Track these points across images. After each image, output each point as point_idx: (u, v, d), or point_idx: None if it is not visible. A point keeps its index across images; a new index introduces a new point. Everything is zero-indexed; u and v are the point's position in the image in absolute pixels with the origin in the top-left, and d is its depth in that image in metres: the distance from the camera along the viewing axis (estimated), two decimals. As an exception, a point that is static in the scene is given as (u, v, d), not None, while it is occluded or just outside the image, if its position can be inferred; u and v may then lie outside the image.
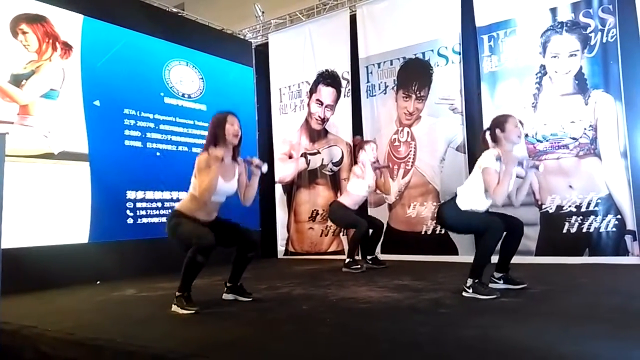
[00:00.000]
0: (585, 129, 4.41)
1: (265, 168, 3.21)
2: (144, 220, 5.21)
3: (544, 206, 4.56)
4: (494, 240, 3.00)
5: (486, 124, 4.72)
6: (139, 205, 5.17)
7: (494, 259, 3.21)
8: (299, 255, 6.26)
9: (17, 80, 4.36)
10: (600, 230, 4.29)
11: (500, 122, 3.15)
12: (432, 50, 5.29)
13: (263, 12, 6.82)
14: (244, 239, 3.16)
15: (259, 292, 3.46)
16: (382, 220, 5.04)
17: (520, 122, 4.57)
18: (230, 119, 3.07)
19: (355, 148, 5.04)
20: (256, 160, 3.21)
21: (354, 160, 5.06)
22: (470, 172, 4.67)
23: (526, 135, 4.64)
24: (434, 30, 5.26)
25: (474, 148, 4.87)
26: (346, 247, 5.27)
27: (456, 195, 3.18)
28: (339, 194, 5.88)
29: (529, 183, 3.25)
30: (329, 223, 6.04)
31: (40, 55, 4.54)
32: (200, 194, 2.93)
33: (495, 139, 3.14)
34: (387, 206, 5.52)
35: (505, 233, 3.05)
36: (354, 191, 4.77)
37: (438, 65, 5.26)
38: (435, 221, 3.28)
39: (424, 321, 2.48)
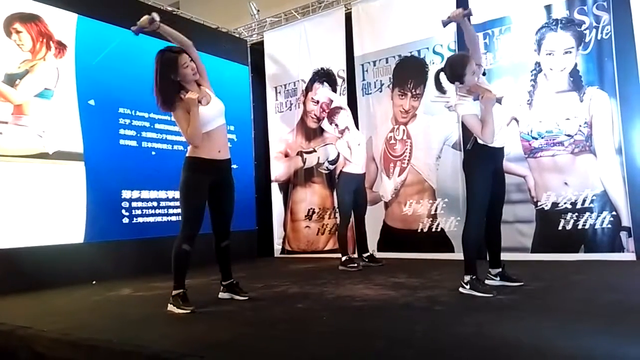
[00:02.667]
0: (580, 126, 4.42)
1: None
2: (140, 219, 5.19)
3: (539, 203, 4.57)
4: (474, 231, 3.04)
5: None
6: (134, 204, 5.16)
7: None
8: (296, 254, 6.26)
9: (11, 80, 4.33)
10: (596, 227, 4.30)
11: (457, 74, 3.10)
12: (428, 48, 5.29)
13: (258, 11, 6.80)
14: (220, 226, 3.15)
15: (255, 291, 3.45)
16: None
17: (516, 119, 4.63)
18: (181, 61, 2.98)
19: (327, 118, 4.98)
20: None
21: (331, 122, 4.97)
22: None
23: (521, 134, 4.66)
24: (430, 28, 5.25)
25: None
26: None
27: (475, 138, 3.11)
28: (335, 193, 5.88)
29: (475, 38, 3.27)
30: (326, 221, 6.05)
31: (34, 55, 4.51)
32: (190, 141, 2.94)
33: (458, 79, 3.10)
34: (383, 204, 5.52)
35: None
36: (355, 159, 4.71)
37: (434, 63, 5.25)
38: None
39: (420, 318, 2.48)
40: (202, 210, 2.99)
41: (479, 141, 3.05)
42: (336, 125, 4.78)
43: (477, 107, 3.01)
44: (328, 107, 5.94)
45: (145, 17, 3.01)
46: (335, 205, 5.65)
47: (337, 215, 5.63)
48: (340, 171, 4.90)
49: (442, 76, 3.23)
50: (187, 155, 3.04)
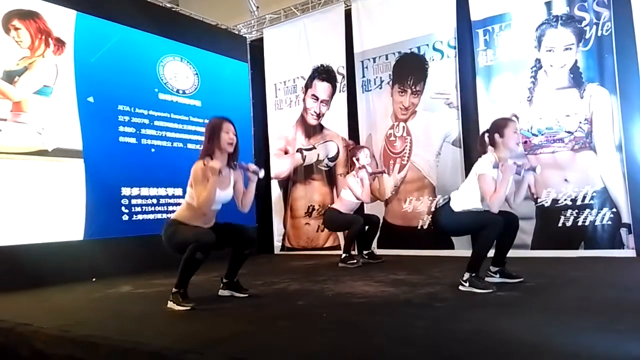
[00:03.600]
0: (580, 122, 4.41)
1: (262, 174, 3.18)
2: (140, 217, 5.19)
3: (539, 200, 4.57)
4: (495, 232, 2.97)
5: (482, 119, 4.75)
6: (134, 202, 5.16)
7: (490, 252, 3.22)
8: (296, 251, 6.26)
9: (10, 77, 4.32)
10: (596, 224, 4.30)
11: (499, 127, 3.10)
12: (428, 45, 5.28)
13: (258, 7, 6.79)
14: (240, 237, 3.15)
15: (255, 288, 3.46)
16: (378, 215, 5.05)
17: (516, 115, 4.62)
18: (225, 127, 3.03)
19: (349, 154, 5.04)
20: (252, 167, 3.18)
21: (349, 165, 5.04)
22: (465, 167, 4.73)
23: (521, 131, 4.65)
24: (429, 25, 5.25)
25: (469, 142, 4.88)
26: (342, 243, 5.27)
27: (449, 199, 3.17)
28: (335, 190, 5.89)
29: (527, 185, 3.22)
30: (325, 218, 6.05)
31: (33, 52, 4.50)
32: (199, 206, 2.92)
33: (493, 144, 3.11)
34: (384, 201, 5.52)
35: None
36: (348, 198, 4.79)
37: (433, 60, 5.25)
38: (433, 227, 3.23)
39: (420, 315, 2.48)
40: (207, 229, 2.97)
41: (451, 205, 3.10)
42: (357, 159, 4.78)
43: (497, 172, 3.00)
44: (327, 104, 5.99)
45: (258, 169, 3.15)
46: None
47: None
48: (328, 207, 5.02)
49: (486, 137, 3.18)
50: (173, 218, 3.04)
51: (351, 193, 4.75)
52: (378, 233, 4.95)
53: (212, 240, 2.86)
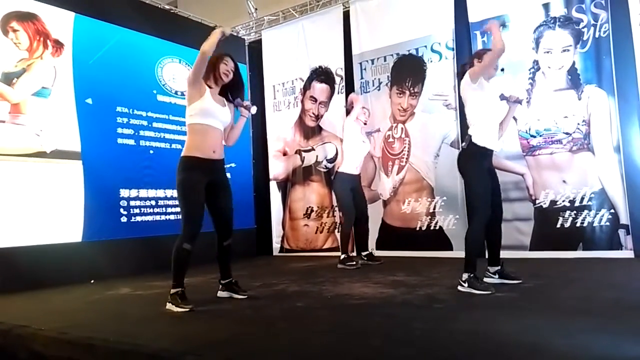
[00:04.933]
0: (578, 124, 4.42)
1: (254, 110, 3.23)
2: (138, 218, 5.19)
3: (537, 201, 4.58)
4: (479, 225, 3.02)
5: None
6: (132, 203, 5.15)
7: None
8: (294, 253, 6.26)
9: (8, 79, 4.32)
10: (594, 225, 4.31)
11: (479, 55, 3.20)
12: (426, 46, 5.29)
13: (256, 9, 6.79)
14: (222, 225, 3.15)
15: (253, 289, 3.45)
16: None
17: (514, 117, 4.63)
18: (225, 59, 3.12)
19: (347, 101, 5.07)
20: (246, 102, 3.23)
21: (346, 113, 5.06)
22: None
23: (519, 132, 4.66)
24: (427, 27, 5.26)
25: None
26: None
27: (471, 138, 3.14)
28: (333, 193, 5.88)
29: (512, 117, 3.37)
30: (324, 220, 6.05)
31: (32, 53, 4.50)
32: (202, 51, 2.99)
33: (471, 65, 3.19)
34: (382, 202, 5.52)
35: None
36: (350, 152, 4.76)
37: (431, 61, 5.26)
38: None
39: (419, 316, 2.48)
40: (201, 208, 2.99)
41: (474, 140, 3.08)
42: (351, 107, 4.83)
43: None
44: (326, 105, 5.99)
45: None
46: (334, 203, 5.67)
47: (336, 213, 5.66)
48: (336, 171, 4.91)
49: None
50: (182, 155, 3.03)
51: (353, 148, 4.73)
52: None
53: (197, 230, 2.91)
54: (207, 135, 3.01)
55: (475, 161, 3.10)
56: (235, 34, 6.87)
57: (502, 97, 3.29)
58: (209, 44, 2.96)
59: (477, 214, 3.06)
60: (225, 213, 3.15)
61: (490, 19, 4.83)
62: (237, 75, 3.18)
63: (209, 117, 3.00)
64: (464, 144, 3.20)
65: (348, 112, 4.96)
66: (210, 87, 3.06)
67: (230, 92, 3.17)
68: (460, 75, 3.33)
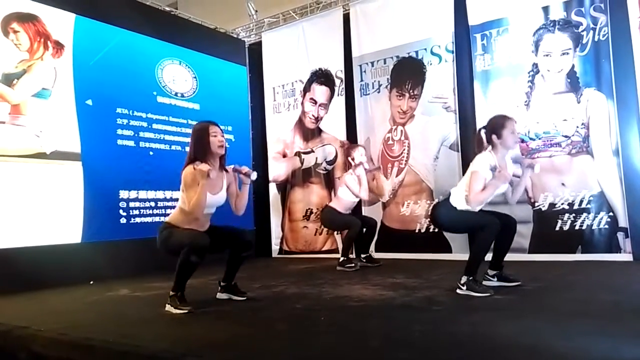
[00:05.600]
0: (577, 127, 4.43)
1: (254, 176, 3.17)
2: (137, 219, 5.19)
3: (536, 204, 4.58)
4: (492, 235, 2.98)
5: (479, 123, 4.75)
6: (132, 204, 5.15)
7: (488, 256, 3.23)
8: (293, 254, 6.26)
9: (9, 80, 4.33)
10: (593, 228, 4.32)
11: (497, 127, 3.09)
12: (426, 49, 5.30)
13: (256, 11, 6.80)
14: (237, 239, 3.14)
15: (253, 291, 3.45)
16: (375, 218, 5.05)
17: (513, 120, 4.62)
18: (212, 130, 3.01)
19: (344, 153, 5.03)
20: (245, 169, 3.18)
21: (345, 165, 5.05)
22: (463, 170, 4.72)
23: (518, 135, 4.66)
24: (427, 29, 5.27)
25: (467, 146, 4.89)
26: (340, 246, 5.28)
27: (450, 195, 3.18)
28: (332, 193, 5.89)
29: (525, 182, 3.24)
30: (323, 222, 6.05)
31: (32, 54, 4.51)
32: (190, 211, 2.92)
33: (490, 142, 3.12)
34: (381, 205, 5.53)
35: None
36: (345, 197, 4.78)
37: (431, 64, 5.27)
38: (429, 221, 3.23)
39: (418, 319, 2.48)
40: (202, 232, 2.97)
41: (452, 202, 3.09)
42: (352, 159, 4.79)
43: (491, 174, 3.01)
44: (326, 107, 5.99)
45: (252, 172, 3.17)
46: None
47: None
48: (326, 205, 4.99)
49: (483, 134, 3.18)
50: (167, 220, 3.03)
51: (349, 192, 4.73)
52: (376, 236, 4.95)
53: (207, 243, 2.86)
54: (201, 221, 3.02)
55: (453, 212, 3.09)
56: (235, 35, 6.88)
57: (515, 162, 3.18)
58: (198, 205, 2.89)
59: (487, 230, 2.97)
60: (229, 233, 3.13)
61: (489, 22, 4.87)
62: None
63: (207, 209, 2.98)
64: (441, 197, 3.16)
65: (346, 166, 4.92)
66: (209, 164, 2.97)
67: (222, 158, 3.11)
68: (477, 143, 3.22)
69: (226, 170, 3.14)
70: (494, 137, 3.09)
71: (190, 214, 2.94)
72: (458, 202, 3.11)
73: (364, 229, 4.75)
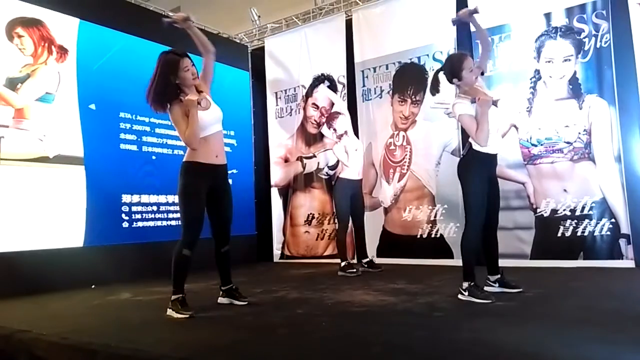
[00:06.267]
0: (579, 133, 4.43)
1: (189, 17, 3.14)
2: (140, 224, 5.20)
3: (538, 210, 4.58)
4: (472, 231, 3.04)
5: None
6: (134, 209, 5.16)
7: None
8: (295, 259, 6.26)
9: (13, 84, 4.35)
10: (595, 234, 4.31)
11: (455, 70, 3.15)
12: (428, 55, 5.32)
13: (259, 16, 6.84)
14: (219, 231, 3.16)
15: (254, 296, 3.46)
16: (362, 221, 4.97)
17: (515, 126, 4.64)
18: (183, 64, 2.96)
19: (326, 123, 5.03)
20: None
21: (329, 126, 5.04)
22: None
23: (520, 141, 4.67)
24: (430, 35, 5.29)
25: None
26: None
27: (471, 145, 3.14)
28: (333, 198, 5.89)
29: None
30: (325, 227, 6.05)
31: (36, 59, 4.53)
32: (187, 143, 2.93)
33: (452, 83, 3.20)
34: (383, 210, 5.53)
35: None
36: (350, 160, 4.75)
37: (433, 70, 5.25)
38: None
39: (419, 325, 2.48)
40: (201, 215, 3.00)
41: (474, 147, 3.08)
42: (334, 129, 4.82)
43: (474, 109, 3.05)
44: (327, 111, 5.97)
45: (182, 13, 3.13)
46: (334, 210, 5.67)
47: (336, 220, 5.66)
48: (337, 177, 4.93)
49: (442, 76, 3.24)
50: (184, 160, 3.05)
51: (349, 154, 4.73)
52: (364, 239, 4.91)
53: (196, 237, 2.92)
54: (208, 143, 3.02)
55: (473, 168, 3.10)
56: (238, 41, 6.91)
57: (494, 103, 3.18)
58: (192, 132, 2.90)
59: (470, 221, 3.07)
60: (224, 220, 3.16)
61: (491, 29, 4.88)
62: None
63: (202, 130, 2.98)
64: (463, 151, 3.21)
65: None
66: (185, 93, 2.97)
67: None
68: (433, 84, 3.39)
69: (203, 90, 3.09)
70: (454, 80, 3.16)
71: (190, 146, 2.93)
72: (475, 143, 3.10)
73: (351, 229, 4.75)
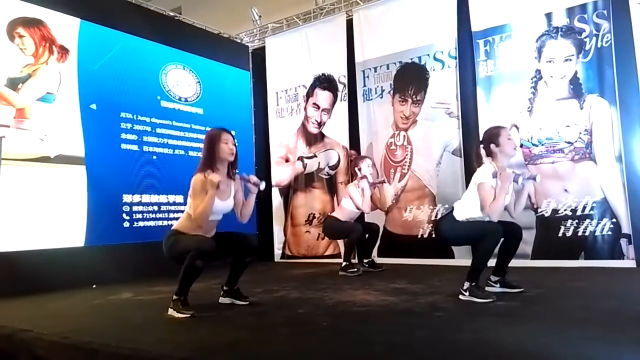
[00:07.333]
0: (580, 133, 4.43)
1: (262, 186, 3.19)
2: (141, 223, 5.20)
3: (539, 210, 4.58)
4: (494, 242, 2.98)
5: (482, 128, 4.75)
6: (135, 208, 5.16)
7: (491, 262, 3.23)
8: (296, 259, 6.26)
9: (14, 84, 4.35)
10: (596, 234, 4.31)
11: (493, 136, 3.11)
12: (429, 55, 5.32)
13: (260, 16, 6.84)
14: (241, 244, 3.15)
15: (255, 295, 3.46)
16: (378, 224, 5.04)
17: (516, 126, 4.63)
18: (224, 137, 3.04)
19: (351, 163, 5.03)
20: (253, 178, 3.19)
21: (350, 174, 5.06)
22: (466, 176, 4.74)
23: (521, 141, 4.66)
24: (430, 35, 5.29)
25: (470, 152, 4.88)
26: (342, 251, 5.27)
27: (453, 209, 3.18)
28: (335, 199, 5.90)
29: (527, 195, 3.24)
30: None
31: (37, 59, 4.54)
32: (196, 218, 2.93)
33: (490, 154, 3.13)
34: (384, 211, 5.52)
35: (504, 238, 3.03)
36: (348, 207, 4.80)
37: (434, 70, 5.28)
38: (434, 235, 3.20)
39: (420, 324, 2.48)
40: (208, 238, 2.98)
41: (456, 216, 3.10)
42: (359, 169, 4.81)
43: (495, 181, 3.01)
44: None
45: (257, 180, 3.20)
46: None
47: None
48: (328, 215, 5.04)
49: (482, 148, 3.19)
50: (174, 228, 3.05)
51: (352, 202, 4.76)
52: (378, 241, 4.95)
53: (212, 247, 2.87)
54: (207, 227, 3.03)
55: (456, 224, 3.10)
56: (239, 40, 6.91)
57: (516, 180, 3.09)
58: (206, 209, 2.90)
59: (489, 237, 2.96)
60: (234, 238, 3.13)
61: (492, 28, 4.89)
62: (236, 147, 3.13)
63: (213, 216, 3.00)
64: (443, 211, 3.16)
65: (352, 176, 4.95)
66: (217, 169, 3.01)
67: (231, 165, 3.13)
68: (476, 158, 3.22)
69: (233, 178, 3.15)
70: (492, 146, 3.10)
71: (195, 221, 2.95)
72: (460, 213, 3.11)
73: (367, 235, 4.76)
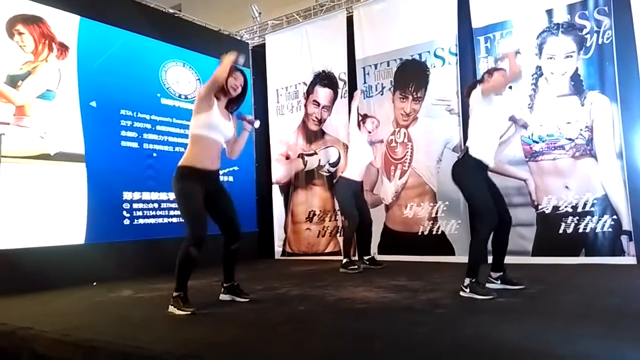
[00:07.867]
0: (581, 129, 4.42)
1: (257, 124, 3.31)
2: (141, 221, 5.20)
3: (540, 207, 4.57)
4: (487, 229, 3.02)
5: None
6: (135, 206, 5.16)
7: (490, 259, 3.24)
8: (296, 256, 6.26)
9: (13, 81, 4.35)
10: (596, 231, 4.31)
11: (491, 70, 3.26)
12: (429, 52, 5.30)
13: (260, 13, 6.82)
14: (229, 228, 3.15)
15: (255, 292, 3.46)
16: (371, 217, 4.99)
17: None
18: (235, 73, 3.11)
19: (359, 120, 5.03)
20: (249, 117, 3.30)
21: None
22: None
23: (522, 138, 4.65)
24: (431, 32, 5.28)
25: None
26: (342, 248, 5.27)
27: (467, 149, 3.16)
28: (335, 199, 5.89)
29: (514, 140, 3.48)
30: (326, 224, 6.05)
31: (37, 56, 4.53)
32: (215, 79, 2.94)
33: (482, 81, 3.22)
34: (384, 207, 5.53)
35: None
36: (355, 161, 4.77)
37: (435, 67, 5.27)
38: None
39: (421, 321, 2.48)
40: (202, 210, 2.99)
41: (471, 152, 3.11)
42: (364, 124, 4.88)
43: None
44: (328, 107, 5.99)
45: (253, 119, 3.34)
46: (336, 207, 5.68)
47: (338, 217, 5.67)
48: (339, 176, 4.92)
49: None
50: (179, 164, 3.06)
51: (357, 154, 4.75)
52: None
53: (203, 234, 2.90)
54: (209, 148, 3.04)
55: (470, 170, 3.11)
56: (239, 38, 6.90)
57: (512, 119, 3.36)
58: (222, 71, 2.95)
59: (484, 221, 3.04)
60: (228, 215, 3.15)
61: (492, 25, 4.87)
62: (244, 89, 3.20)
63: (214, 131, 3.02)
64: (459, 154, 3.21)
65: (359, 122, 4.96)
66: (217, 98, 3.07)
67: (232, 102, 3.20)
68: (471, 87, 3.30)
69: (231, 112, 3.21)
70: (485, 75, 3.24)
71: (217, 79, 2.95)
72: (474, 148, 3.12)
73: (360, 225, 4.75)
